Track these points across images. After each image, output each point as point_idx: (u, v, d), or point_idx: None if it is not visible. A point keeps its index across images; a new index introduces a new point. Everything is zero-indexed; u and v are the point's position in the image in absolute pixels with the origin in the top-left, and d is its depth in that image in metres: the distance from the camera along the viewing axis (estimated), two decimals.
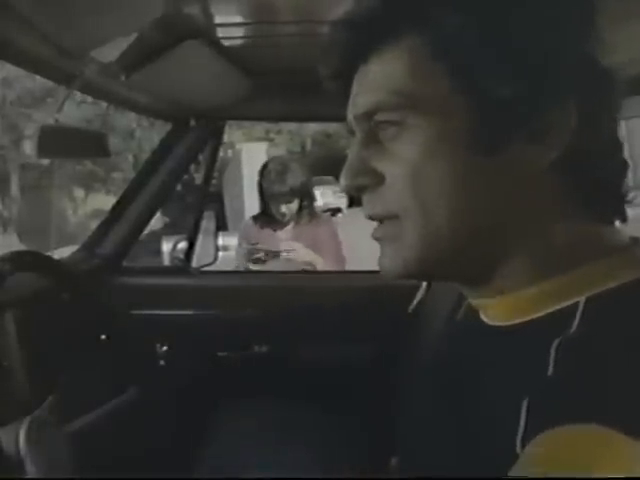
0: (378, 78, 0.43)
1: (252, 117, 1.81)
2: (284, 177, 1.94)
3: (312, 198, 2.10)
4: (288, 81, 1.35)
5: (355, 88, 0.45)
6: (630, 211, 0.45)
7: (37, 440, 0.74)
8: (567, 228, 0.42)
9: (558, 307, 0.40)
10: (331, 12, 1.01)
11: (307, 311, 1.51)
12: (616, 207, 0.44)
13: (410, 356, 1.21)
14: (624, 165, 0.44)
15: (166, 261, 3.91)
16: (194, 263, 1.66)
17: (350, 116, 0.46)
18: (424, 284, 1.51)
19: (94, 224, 1.88)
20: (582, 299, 0.39)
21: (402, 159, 0.42)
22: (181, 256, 1.67)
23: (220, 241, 1.81)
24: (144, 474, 1.13)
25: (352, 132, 0.47)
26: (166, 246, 4.64)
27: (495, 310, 0.46)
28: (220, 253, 1.77)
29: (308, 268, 1.97)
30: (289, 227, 2.05)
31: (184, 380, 1.48)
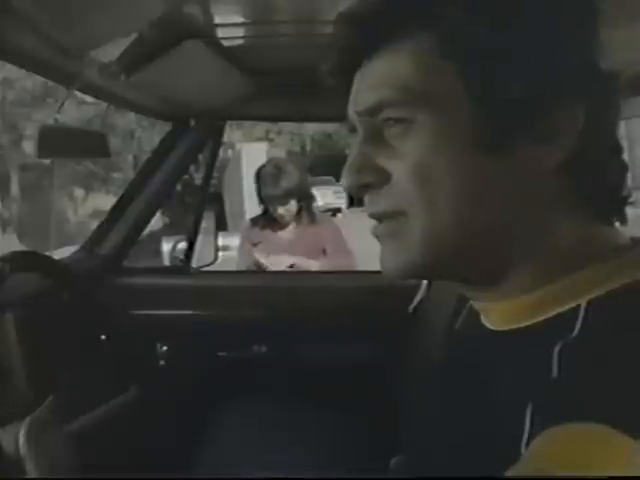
0: (384, 75, 0.42)
1: (252, 117, 1.81)
2: (278, 180, 1.95)
3: (310, 198, 2.10)
4: (288, 81, 1.35)
5: (358, 84, 0.45)
6: (630, 211, 0.45)
7: (37, 440, 0.74)
8: (570, 229, 0.42)
9: (560, 310, 0.40)
10: (331, 12, 1.01)
11: (307, 311, 1.51)
12: (617, 209, 0.44)
13: (410, 356, 1.22)
14: (624, 167, 0.44)
15: (166, 261, 3.91)
16: (194, 263, 1.66)
17: (352, 113, 0.46)
18: (424, 284, 1.51)
19: (94, 224, 1.88)
20: (584, 302, 0.39)
21: (408, 156, 0.41)
22: (181, 256, 1.67)
23: (220, 241, 1.81)
24: (144, 474, 1.13)
25: (353, 130, 0.46)
26: (166, 246, 4.64)
27: (498, 314, 0.45)
28: (220, 253, 1.77)
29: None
30: (290, 227, 2.06)
31: (184, 380, 1.48)
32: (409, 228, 0.42)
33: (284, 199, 1.97)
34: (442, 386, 0.53)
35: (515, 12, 0.39)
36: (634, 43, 0.86)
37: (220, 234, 1.86)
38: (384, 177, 0.43)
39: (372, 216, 0.45)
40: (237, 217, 9.28)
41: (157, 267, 2.33)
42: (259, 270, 1.99)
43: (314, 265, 1.97)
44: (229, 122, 1.74)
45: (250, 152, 10.25)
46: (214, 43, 1.10)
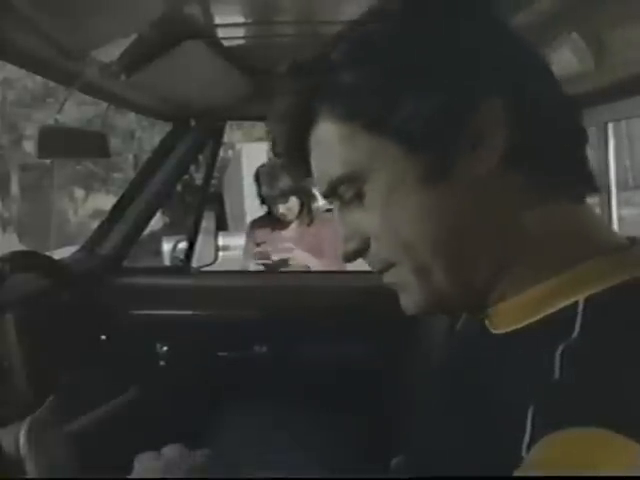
0: (324, 161, 0.45)
1: (252, 117, 1.81)
2: (275, 180, 1.97)
3: (310, 195, 2.11)
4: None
5: (314, 169, 0.48)
6: (630, 211, 0.45)
7: (37, 440, 0.74)
8: (553, 220, 0.42)
9: (558, 308, 0.40)
10: (331, 12, 1.01)
11: (307, 311, 1.51)
12: (589, 184, 0.45)
13: (411, 357, 1.22)
14: (578, 132, 0.44)
15: (166, 261, 3.91)
16: (194, 263, 1.66)
17: (319, 189, 0.48)
18: None
19: (94, 224, 1.88)
20: (581, 299, 0.39)
21: (373, 214, 0.44)
22: (181, 256, 1.67)
23: (220, 241, 1.81)
24: None
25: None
26: (166, 246, 4.64)
27: (496, 317, 0.46)
28: (220, 253, 1.77)
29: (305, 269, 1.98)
30: (293, 226, 2.07)
31: (184, 380, 1.48)
32: (403, 275, 0.45)
33: (283, 197, 1.98)
34: (443, 387, 0.53)
35: (391, 51, 0.41)
36: (634, 43, 0.85)
37: (220, 234, 1.85)
38: (365, 240, 0.46)
39: (378, 272, 0.48)
40: (237, 217, 9.27)
41: (157, 267, 2.33)
42: (264, 269, 1.98)
43: (313, 262, 1.97)
44: (229, 122, 1.74)
45: (250, 152, 10.23)
46: (214, 43, 1.10)
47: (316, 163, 0.47)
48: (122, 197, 1.58)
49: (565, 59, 0.89)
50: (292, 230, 2.07)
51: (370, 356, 1.49)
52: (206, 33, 1.04)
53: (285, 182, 1.96)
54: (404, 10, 0.43)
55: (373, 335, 1.50)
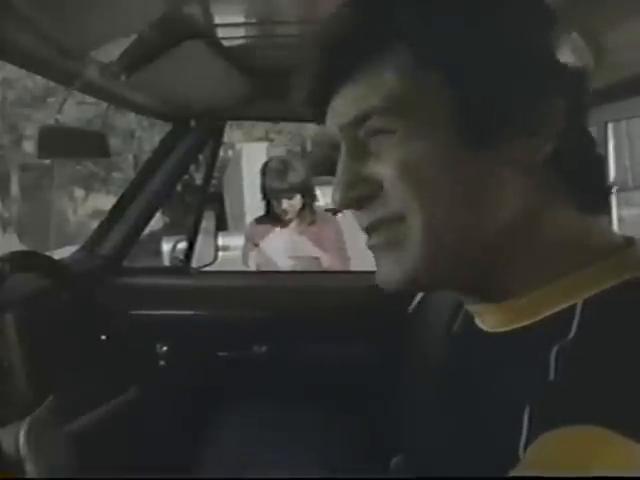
0: (366, 87, 0.42)
1: (252, 117, 1.81)
2: (285, 174, 1.97)
3: (313, 195, 2.11)
4: (288, 81, 1.35)
5: (338, 100, 0.45)
6: (630, 211, 0.46)
7: (37, 440, 0.74)
8: (561, 226, 0.43)
9: (556, 310, 0.40)
10: (331, 12, 1.01)
11: (307, 311, 1.51)
12: (602, 199, 0.46)
13: (410, 357, 1.21)
14: (601, 159, 0.46)
15: (166, 261, 3.91)
16: (194, 263, 1.66)
17: (333, 126, 0.46)
18: None
19: (94, 224, 1.88)
20: (579, 302, 0.39)
21: (397, 162, 0.41)
22: (181, 256, 1.67)
23: (220, 241, 1.81)
24: (144, 474, 1.13)
25: (334, 147, 0.46)
26: (166, 246, 4.64)
27: (493, 317, 0.45)
28: (220, 253, 1.77)
29: (314, 264, 1.98)
30: (293, 225, 2.06)
31: (184, 380, 1.48)
32: (408, 231, 0.42)
33: (290, 193, 1.98)
34: (441, 387, 0.53)
35: (484, 18, 0.40)
36: (634, 43, 0.85)
37: (220, 234, 1.86)
38: (376, 187, 0.43)
39: (369, 227, 0.45)
40: (237, 217, 9.27)
41: (157, 267, 2.33)
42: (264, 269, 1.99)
43: (318, 252, 1.98)
44: (229, 122, 1.74)
45: (250, 152, 10.24)
46: (214, 43, 1.10)
47: (350, 93, 0.43)
48: (122, 197, 1.58)
49: (565, 59, 0.89)
50: (292, 228, 2.07)
51: (370, 356, 1.49)
52: (206, 33, 1.04)
53: (295, 177, 1.96)
54: None
55: (373, 335, 1.50)
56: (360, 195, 0.44)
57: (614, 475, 0.29)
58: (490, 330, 0.46)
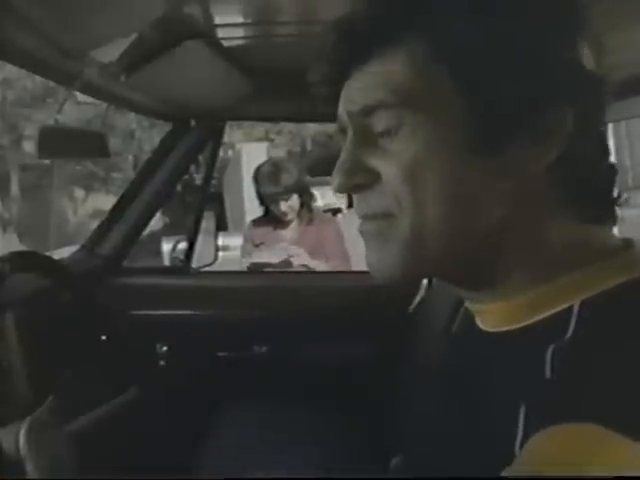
0: (378, 78, 0.42)
1: (252, 117, 1.81)
2: (278, 177, 1.96)
3: (310, 194, 2.11)
4: (288, 81, 1.35)
5: (351, 85, 0.45)
6: (630, 212, 0.46)
7: (37, 440, 0.74)
8: (562, 230, 0.42)
9: (553, 311, 0.40)
10: (331, 12, 1.01)
11: (307, 311, 1.51)
12: (607, 210, 0.45)
13: (410, 357, 1.22)
14: (612, 169, 0.45)
15: (166, 261, 3.91)
16: (194, 263, 1.66)
17: (343, 112, 0.46)
18: (425, 283, 1.51)
19: (94, 224, 1.88)
20: (577, 303, 0.39)
21: (399, 157, 0.41)
22: (181, 256, 1.67)
23: (220, 241, 1.81)
24: (144, 474, 1.13)
25: (343, 131, 0.46)
26: (166, 246, 4.64)
27: (492, 316, 0.46)
28: (220, 253, 1.77)
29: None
30: (293, 225, 2.06)
31: (184, 380, 1.48)
32: (396, 229, 0.42)
33: (286, 194, 1.97)
34: (440, 387, 0.53)
35: (504, 14, 0.39)
36: (634, 43, 0.85)
37: (220, 234, 1.86)
38: (373, 178, 0.43)
39: (362, 216, 0.46)
40: (237, 217, 9.27)
41: (157, 267, 2.33)
42: (262, 270, 1.98)
43: (313, 262, 1.97)
44: (229, 122, 1.74)
45: (250, 152, 10.23)
46: (214, 43, 1.10)
47: (362, 81, 0.43)
48: (122, 197, 1.58)
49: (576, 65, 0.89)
50: (292, 230, 2.07)
51: (369, 356, 1.49)
52: (206, 33, 1.04)
53: (288, 179, 1.96)
54: None
55: (373, 335, 1.50)
56: (357, 183, 0.44)
57: (611, 474, 0.29)
58: (489, 330, 0.46)
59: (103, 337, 1.08)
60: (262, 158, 2.51)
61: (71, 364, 1.02)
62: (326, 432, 1.22)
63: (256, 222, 2.17)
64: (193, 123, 1.55)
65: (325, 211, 2.18)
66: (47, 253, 1.19)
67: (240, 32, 1.13)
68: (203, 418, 1.32)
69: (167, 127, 1.60)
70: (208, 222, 1.74)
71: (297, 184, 1.98)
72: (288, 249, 1.96)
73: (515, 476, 0.33)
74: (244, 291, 1.63)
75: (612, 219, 0.45)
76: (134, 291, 1.55)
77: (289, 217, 2.03)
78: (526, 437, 0.34)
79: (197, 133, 1.56)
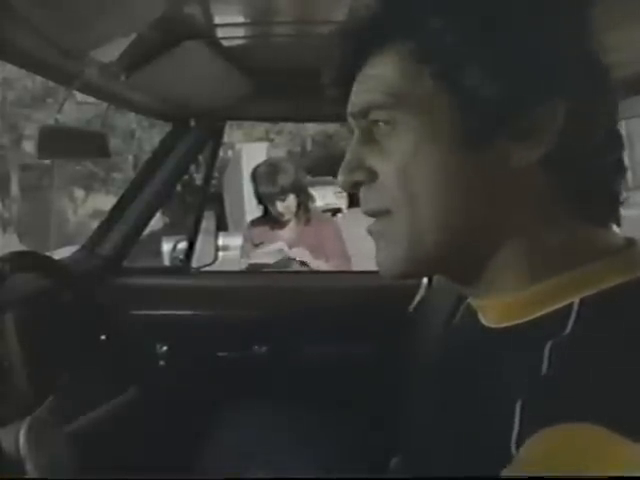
0: (372, 80, 0.45)
1: (252, 117, 1.81)
2: (275, 177, 1.97)
3: (307, 195, 2.11)
4: (288, 81, 1.35)
5: (354, 87, 0.47)
6: (630, 212, 0.46)
7: (37, 440, 0.74)
8: (559, 229, 0.42)
9: (553, 308, 0.41)
10: (331, 12, 1.02)
11: (307, 311, 1.51)
12: (610, 209, 0.44)
13: (410, 356, 1.22)
14: (620, 166, 0.44)
15: (166, 261, 3.91)
16: (194, 263, 1.66)
17: (349, 114, 0.48)
18: (425, 283, 1.51)
19: (94, 224, 1.88)
20: (576, 300, 0.39)
21: (393, 156, 0.43)
22: (181, 256, 1.67)
23: (220, 241, 1.81)
24: (144, 474, 1.13)
25: (352, 131, 0.48)
26: (166, 246, 4.64)
27: (493, 311, 0.46)
28: (220, 253, 1.77)
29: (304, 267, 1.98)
30: (291, 225, 2.07)
31: (184, 380, 1.48)
32: (394, 226, 0.44)
33: (282, 195, 1.98)
34: (438, 384, 0.53)
35: (488, 15, 0.40)
36: (634, 43, 0.85)
37: (220, 234, 1.86)
38: (372, 176, 0.45)
39: (365, 213, 0.47)
40: (237, 217, 9.28)
41: (157, 267, 2.34)
42: (262, 270, 1.98)
43: (314, 262, 1.97)
44: (229, 122, 1.74)
45: (250, 152, 10.24)
46: (214, 43, 1.10)
47: (361, 83, 0.46)
48: (122, 197, 1.58)
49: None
50: (290, 230, 2.07)
51: (370, 356, 1.49)
52: (206, 33, 1.04)
53: (285, 179, 1.96)
54: None
55: (373, 335, 1.50)
56: (356, 181, 0.46)
57: (612, 475, 0.29)
58: (491, 325, 0.46)
59: (103, 337, 1.08)
60: (262, 158, 2.51)
61: (71, 364, 1.02)
62: (326, 432, 1.22)
63: (255, 222, 2.18)
64: (193, 123, 1.55)
65: (325, 211, 2.18)
66: (47, 253, 1.19)
67: (240, 32, 1.13)
68: (203, 418, 1.32)
69: (167, 127, 1.60)
70: (208, 222, 1.74)
71: (294, 184, 1.99)
72: (289, 251, 1.97)
73: (515, 476, 0.33)
74: (244, 291, 1.63)
75: (616, 217, 0.45)
76: (134, 291, 1.55)
77: (286, 217, 2.03)
78: (522, 432, 0.34)
79: (197, 133, 1.56)
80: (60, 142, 1.03)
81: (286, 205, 2.00)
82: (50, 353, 0.97)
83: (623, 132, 0.46)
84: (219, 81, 1.32)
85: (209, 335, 1.51)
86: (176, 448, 1.27)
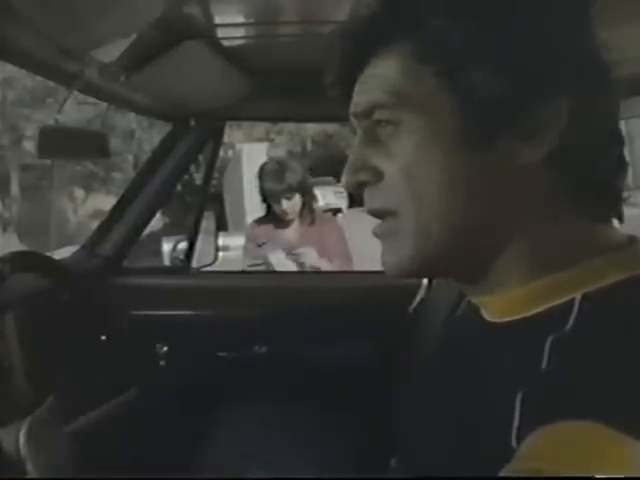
0: (374, 80, 0.44)
1: (252, 117, 1.81)
2: (282, 175, 1.97)
3: (312, 194, 2.12)
4: (288, 81, 1.35)
5: (356, 87, 0.47)
6: (630, 211, 0.46)
7: (37, 440, 0.74)
8: (562, 226, 0.43)
9: (555, 303, 0.41)
10: (331, 12, 1.02)
11: (307, 311, 1.51)
12: (612, 206, 0.45)
13: (410, 356, 1.22)
14: (622, 164, 0.44)
15: (166, 261, 3.91)
16: (194, 263, 1.66)
17: (351, 115, 0.48)
18: (425, 283, 1.51)
19: (94, 224, 1.88)
20: (578, 296, 0.40)
21: (398, 156, 0.43)
22: (181, 256, 1.67)
23: (220, 241, 1.81)
24: (144, 474, 1.13)
25: (355, 131, 0.48)
26: (166, 246, 4.64)
27: (493, 307, 0.46)
28: (220, 253, 1.77)
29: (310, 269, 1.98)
30: (294, 225, 2.06)
31: (184, 380, 1.48)
32: (400, 226, 0.44)
33: (289, 193, 1.98)
34: (439, 379, 0.53)
35: (490, 15, 0.40)
36: (633, 43, 0.85)
37: (220, 234, 1.86)
38: (377, 176, 0.45)
39: (370, 213, 0.47)
40: (237, 217, 9.29)
41: (157, 267, 2.33)
42: (265, 270, 1.98)
43: (320, 262, 1.97)
44: (229, 122, 1.74)
45: (250, 152, 10.25)
46: (214, 43, 1.10)
47: (363, 83, 0.46)
48: (122, 197, 1.58)
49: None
50: (293, 230, 2.07)
51: (370, 356, 1.49)
52: (206, 33, 1.04)
53: (293, 177, 1.97)
54: None
55: (373, 335, 1.50)
56: (361, 181, 0.46)
57: (612, 474, 0.29)
58: (492, 320, 0.46)
59: (103, 337, 1.08)
60: (262, 158, 2.52)
61: (71, 364, 1.02)
62: (326, 432, 1.22)
63: (257, 222, 2.17)
64: (193, 123, 1.55)
65: (325, 211, 2.19)
66: (47, 253, 1.19)
67: (240, 32, 1.13)
68: (203, 418, 1.32)
69: (167, 127, 1.60)
70: (208, 222, 1.74)
71: (301, 183, 1.99)
72: (298, 252, 1.97)
73: (515, 476, 0.33)
74: (244, 291, 1.63)
75: (618, 214, 0.45)
76: (134, 291, 1.55)
77: (290, 216, 2.03)
78: (521, 427, 0.35)
79: (197, 133, 1.56)
80: (60, 142, 1.03)
81: (291, 204, 2.00)
82: (50, 353, 0.97)
83: (623, 132, 0.46)
84: (219, 81, 1.32)
85: (209, 335, 1.51)
86: (176, 448, 1.27)
